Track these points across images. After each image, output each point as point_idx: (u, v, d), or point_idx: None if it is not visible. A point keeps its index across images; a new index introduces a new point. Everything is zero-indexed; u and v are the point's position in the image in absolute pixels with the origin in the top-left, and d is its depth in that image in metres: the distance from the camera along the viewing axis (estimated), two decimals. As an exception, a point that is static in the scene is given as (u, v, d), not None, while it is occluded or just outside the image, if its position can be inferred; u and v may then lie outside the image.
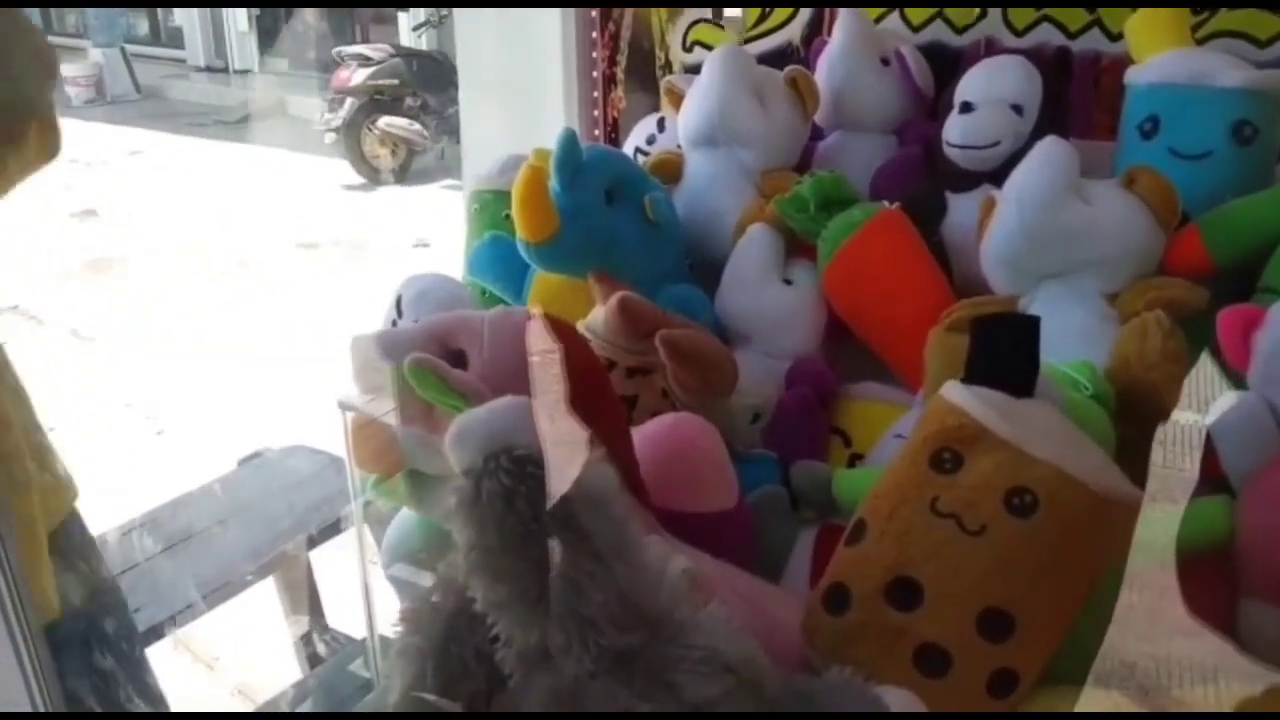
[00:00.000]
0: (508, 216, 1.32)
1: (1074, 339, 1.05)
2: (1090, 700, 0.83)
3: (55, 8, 10.77)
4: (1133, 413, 1.00)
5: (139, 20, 11.78)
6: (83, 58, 10.01)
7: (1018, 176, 1.09)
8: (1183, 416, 1.00)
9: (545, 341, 0.88)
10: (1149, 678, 0.80)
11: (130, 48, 10.47)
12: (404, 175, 7.26)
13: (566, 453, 0.65)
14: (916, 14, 1.53)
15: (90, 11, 10.20)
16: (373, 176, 7.18)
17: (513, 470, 0.62)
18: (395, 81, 7.07)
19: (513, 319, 0.92)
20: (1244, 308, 0.95)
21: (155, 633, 1.93)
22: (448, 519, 0.66)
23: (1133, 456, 1.02)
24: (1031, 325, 0.89)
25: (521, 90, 1.93)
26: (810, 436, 1.22)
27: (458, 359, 0.90)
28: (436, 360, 0.84)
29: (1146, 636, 0.84)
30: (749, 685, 0.67)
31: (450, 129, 6.73)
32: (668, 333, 1.04)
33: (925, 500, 0.83)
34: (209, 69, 10.91)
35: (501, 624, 0.66)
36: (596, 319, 1.12)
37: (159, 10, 11.66)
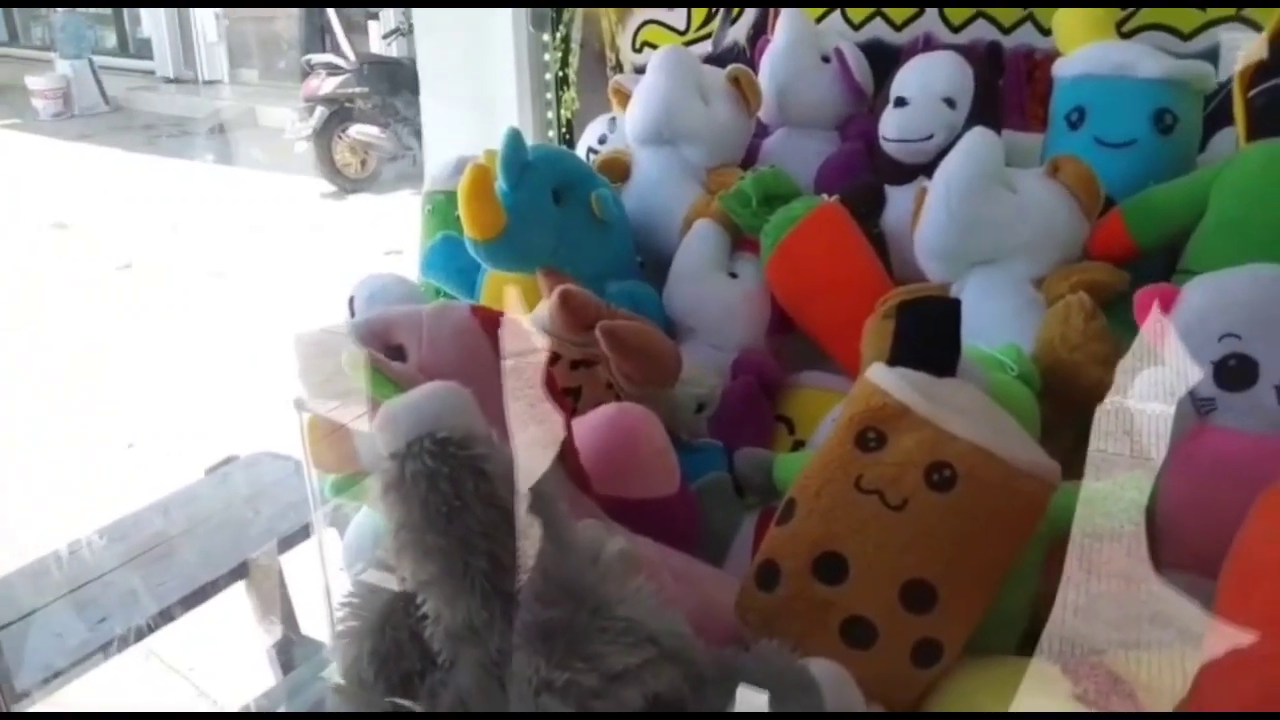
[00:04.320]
0: (459, 217, 1.34)
1: (1003, 323, 1.09)
2: (1019, 669, 0.86)
3: (42, 6, 10.57)
4: (1059, 392, 1.04)
5: (107, 32, 11.69)
6: (50, 70, 9.93)
7: (945, 167, 1.12)
8: (1151, 406, 1.02)
9: (526, 342, 0.90)
10: (1119, 664, 0.82)
11: (98, 59, 10.38)
12: (376, 183, 7.26)
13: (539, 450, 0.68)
14: (857, 12, 1.56)
15: (57, 24, 10.10)
16: (344, 185, 7.16)
17: (435, 452, 0.65)
18: (365, 89, 7.06)
19: (451, 314, 0.95)
20: (1160, 286, 0.97)
21: (122, 642, 1.93)
22: (376, 502, 0.68)
23: (1058, 435, 1.05)
24: (953, 309, 0.92)
25: (479, 94, 1.95)
26: (755, 425, 1.25)
27: (398, 353, 0.93)
28: (374, 352, 0.86)
29: (1116, 624, 0.86)
30: (672, 657, 0.70)
31: (421, 136, 6.72)
32: (607, 324, 1.06)
33: (850, 478, 0.85)
34: (178, 80, 10.84)
35: (430, 602, 0.68)
36: (541, 313, 1.14)
37: (127, 22, 11.57)
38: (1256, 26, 1.26)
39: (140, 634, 1.95)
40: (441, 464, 0.64)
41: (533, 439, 0.82)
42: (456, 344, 0.91)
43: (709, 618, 0.87)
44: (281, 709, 1.93)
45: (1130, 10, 1.34)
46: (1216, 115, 1.26)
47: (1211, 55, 1.27)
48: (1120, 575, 0.88)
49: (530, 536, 0.68)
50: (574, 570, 0.69)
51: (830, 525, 0.85)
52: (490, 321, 0.96)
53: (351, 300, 1.37)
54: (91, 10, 10.82)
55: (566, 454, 0.93)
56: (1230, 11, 1.29)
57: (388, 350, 0.93)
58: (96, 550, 2.01)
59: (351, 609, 0.78)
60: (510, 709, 0.66)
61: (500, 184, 1.24)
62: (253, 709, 1.78)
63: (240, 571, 2.17)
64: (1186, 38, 1.32)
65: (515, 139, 1.23)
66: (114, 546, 2.10)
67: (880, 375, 0.89)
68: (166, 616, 2.00)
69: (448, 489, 0.64)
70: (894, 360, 0.91)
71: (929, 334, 0.92)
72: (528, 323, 1.15)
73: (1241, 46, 1.16)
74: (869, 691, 0.82)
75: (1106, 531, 0.89)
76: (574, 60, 1.76)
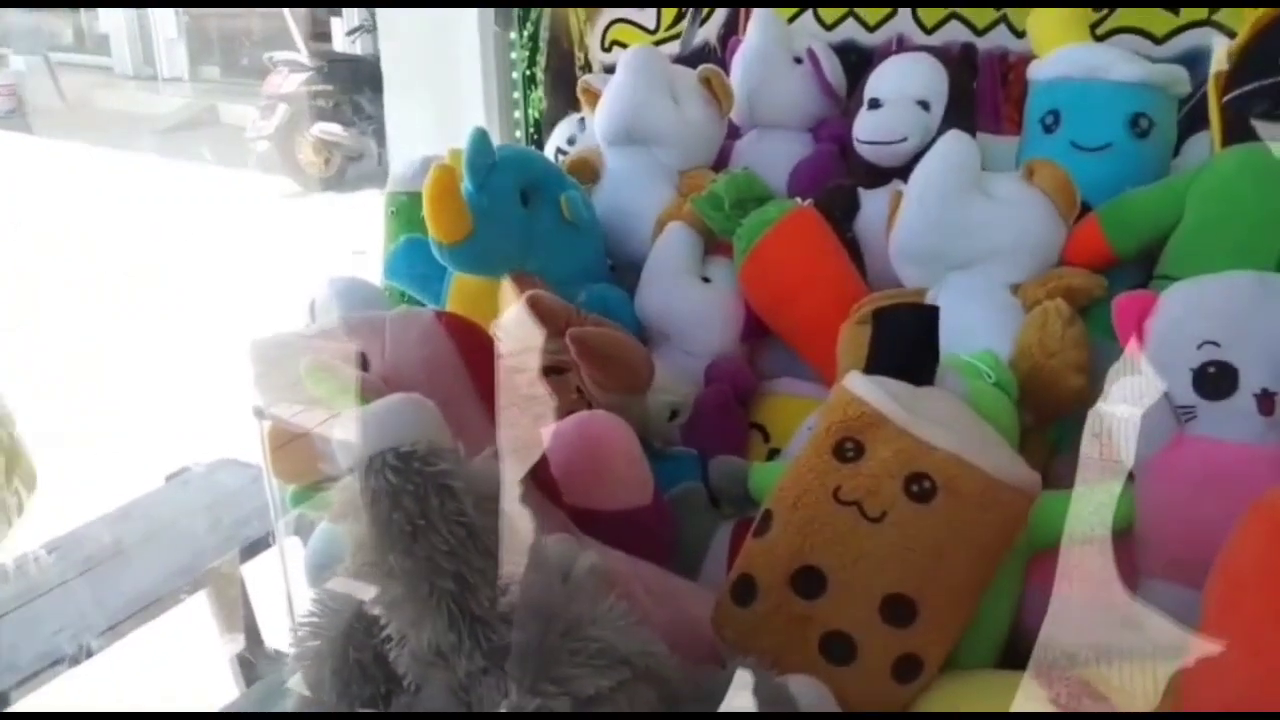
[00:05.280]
0: (424, 218, 1.30)
1: (980, 329, 1.07)
2: (999, 683, 0.85)
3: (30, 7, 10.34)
4: (1037, 400, 1.02)
5: (63, 27, 11.46)
6: (3, 67, 9.71)
7: (919, 171, 1.10)
8: (1129, 413, 1.01)
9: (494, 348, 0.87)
10: (1090, 668, 0.81)
11: (54, 56, 10.17)
12: (341, 182, 7.16)
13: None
14: (829, 13, 1.55)
15: (10, 18, 9.88)
16: (308, 184, 7.07)
17: (398, 468, 0.62)
18: (329, 87, 6.96)
19: (414, 320, 0.92)
20: (1138, 293, 0.97)
21: (83, 654, 1.88)
22: (337, 519, 0.65)
23: (1036, 443, 1.04)
24: (930, 316, 0.90)
25: (443, 93, 1.92)
26: (729, 433, 1.22)
27: (359, 360, 0.89)
28: (334, 361, 0.83)
29: (1086, 627, 0.85)
30: (647, 678, 0.67)
31: (386, 134, 6.64)
32: (577, 330, 1.03)
33: (828, 489, 0.83)
34: (137, 77, 10.65)
35: (394, 624, 0.65)
36: (509, 319, 1.11)
37: (84, 17, 11.35)
38: (1228, 31, 1.26)
39: (98, 646, 1.89)
40: (405, 480, 0.61)
41: (503, 449, 0.79)
42: (421, 351, 0.88)
43: (684, 633, 0.85)
44: (247, 721, 1.88)
45: (1103, 13, 1.33)
46: (1189, 120, 1.26)
47: (1184, 59, 1.27)
48: (1090, 580, 0.88)
49: (505, 554, 0.65)
50: (544, 589, 0.67)
51: (808, 538, 0.83)
52: (456, 327, 0.93)
53: (312, 304, 1.33)
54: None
55: (536, 464, 0.91)
56: (1202, 14, 1.29)
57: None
58: (45, 564, 1.95)
59: (312, 628, 0.75)
60: (479, 736, 0.63)
61: (466, 185, 1.21)
62: None
63: (202, 581, 2.12)
64: (1160, 41, 1.31)
65: (481, 138, 1.20)
66: (70, 555, 2.04)
67: (858, 384, 0.87)
68: (125, 627, 1.95)
69: (412, 507, 0.61)
70: (871, 368, 0.90)
71: (906, 342, 0.90)
72: (495, 329, 1.12)
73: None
74: (849, 708, 0.80)
75: (1078, 537, 0.88)
76: (541, 59, 1.72)
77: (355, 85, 6.94)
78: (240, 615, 2.28)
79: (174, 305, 5.00)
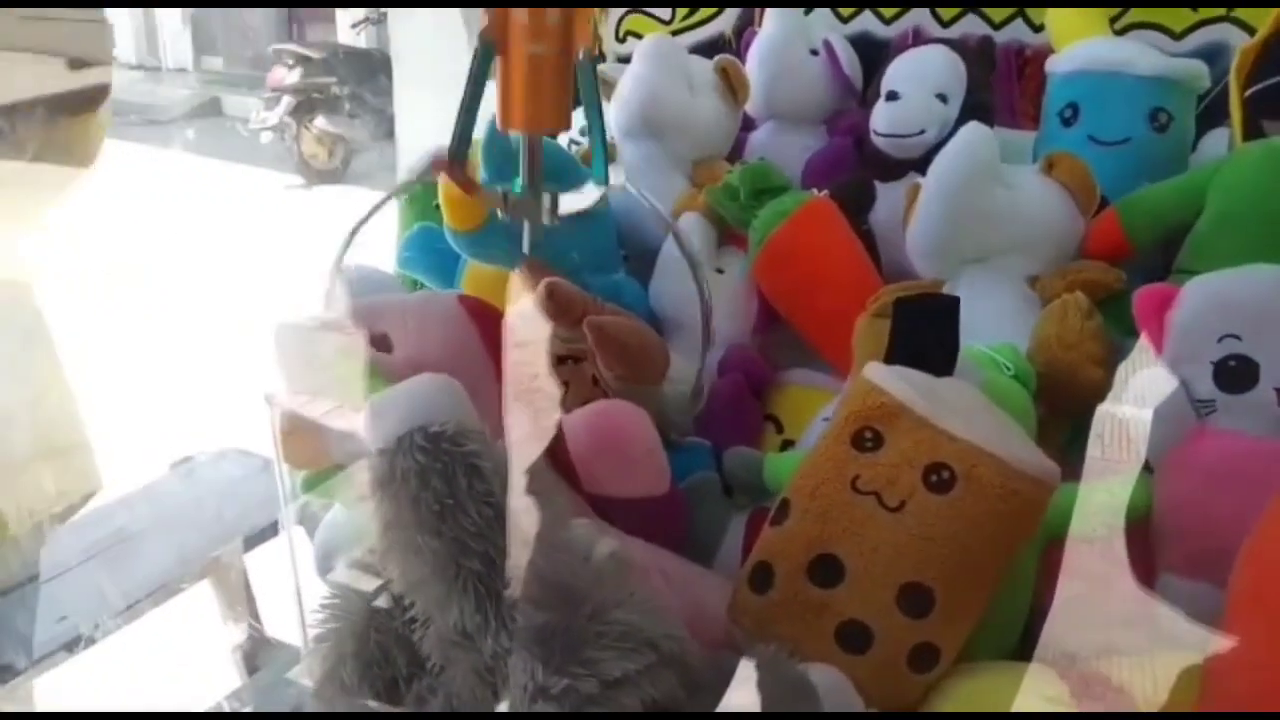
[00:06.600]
0: (438, 206, 1.30)
1: (997, 322, 1.07)
2: (1016, 674, 0.84)
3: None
4: (1054, 393, 1.02)
5: (67, 17, 11.46)
6: (8, 55, 9.70)
7: (938, 162, 1.10)
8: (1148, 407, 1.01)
9: (527, 333, 0.87)
10: (1090, 667, 0.81)
11: (59, 45, 10.17)
12: (344, 175, 7.16)
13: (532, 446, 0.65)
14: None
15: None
16: (311, 176, 7.07)
17: (427, 447, 0.62)
18: (333, 79, 6.97)
19: (438, 303, 0.92)
20: (1159, 287, 0.97)
21: (85, 641, 1.88)
22: (362, 500, 0.65)
23: (1053, 436, 1.04)
24: (951, 306, 0.90)
25: (455, 83, 1.91)
26: (743, 423, 1.22)
27: (382, 343, 0.89)
28: (360, 344, 0.83)
29: (1086, 626, 0.85)
30: (671, 662, 0.67)
31: (390, 128, 6.64)
32: (595, 318, 1.03)
33: (846, 478, 0.83)
34: (141, 67, 10.65)
35: (419, 605, 0.65)
36: (523, 307, 1.11)
37: (89, 7, 11.35)
38: (1247, 27, 1.26)
39: (101, 632, 1.89)
40: (434, 460, 0.61)
41: (525, 434, 0.79)
42: (443, 334, 0.88)
43: (700, 620, 0.85)
44: (249, 710, 1.88)
45: (1121, 8, 1.33)
46: (1206, 115, 1.26)
47: (1202, 55, 1.27)
48: (1097, 575, 0.87)
49: (525, 537, 0.65)
50: (568, 572, 0.66)
51: (826, 527, 0.83)
52: (477, 310, 0.93)
53: (327, 292, 1.33)
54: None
55: (556, 449, 0.91)
56: (1221, 11, 1.28)
57: (371, 340, 0.89)
58: (56, 546, 1.95)
59: (332, 611, 0.75)
60: (503, 717, 0.63)
61: (482, 173, 1.21)
62: (225, 708, 1.74)
63: (204, 570, 2.12)
64: (1178, 37, 1.31)
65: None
66: (73, 543, 2.04)
67: (878, 374, 0.87)
68: (128, 614, 1.95)
69: (440, 486, 0.61)
70: (891, 358, 0.89)
71: (927, 332, 0.90)
72: (510, 317, 1.11)
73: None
74: (864, 697, 0.80)
75: (1080, 534, 0.88)
76: (555, 49, 1.71)
77: (360, 78, 6.94)
78: (243, 605, 2.28)
79: (178, 296, 5.00)
